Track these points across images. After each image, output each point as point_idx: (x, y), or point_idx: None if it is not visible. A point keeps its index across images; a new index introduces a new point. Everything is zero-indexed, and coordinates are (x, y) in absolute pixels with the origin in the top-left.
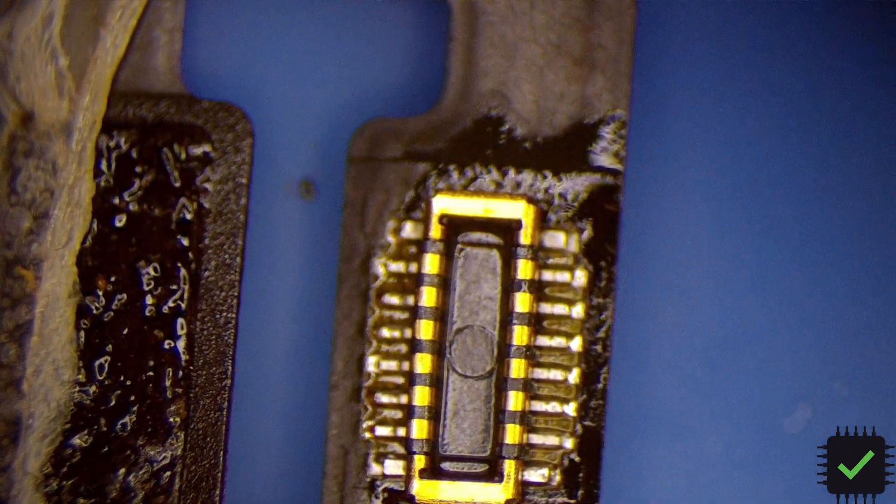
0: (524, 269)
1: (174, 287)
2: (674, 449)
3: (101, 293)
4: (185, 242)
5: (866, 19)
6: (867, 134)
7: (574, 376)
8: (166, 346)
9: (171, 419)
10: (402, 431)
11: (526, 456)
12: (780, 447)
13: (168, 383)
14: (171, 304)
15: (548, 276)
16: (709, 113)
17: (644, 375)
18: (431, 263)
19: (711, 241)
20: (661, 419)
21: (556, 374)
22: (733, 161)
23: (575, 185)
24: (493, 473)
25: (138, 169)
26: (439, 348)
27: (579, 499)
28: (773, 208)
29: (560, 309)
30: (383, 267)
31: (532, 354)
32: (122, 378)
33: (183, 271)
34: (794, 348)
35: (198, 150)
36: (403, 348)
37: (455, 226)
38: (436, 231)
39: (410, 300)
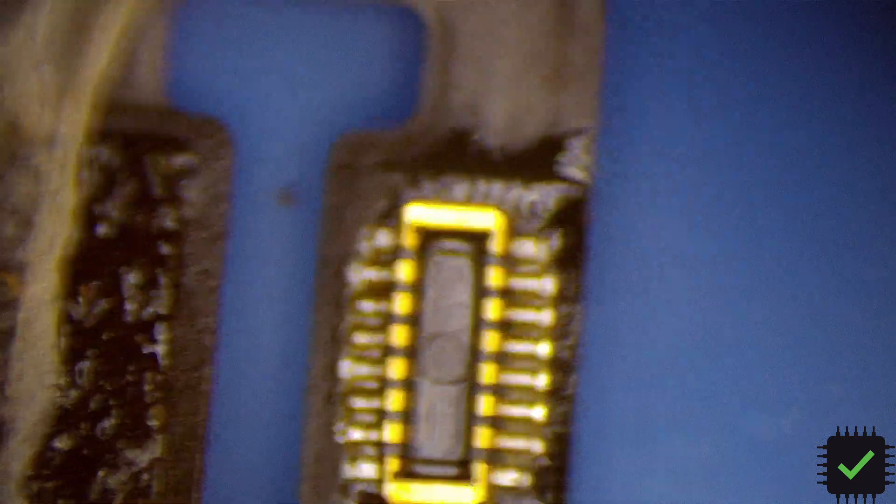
0: (495, 276)
1: (155, 293)
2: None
3: (83, 299)
4: (167, 249)
5: (834, 31)
6: (842, 140)
7: (543, 382)
8: (147, 351)
9: (151, 423)
10: (375, 435)
11: (496, 459)
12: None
13: (148, 388)
14: (151, 310)
15: (518, 283)
16: (677, 126)
17: (617, 380)
18: (405, 271)
19: (685, 248)
20: (631, 423)
21: (525, 380)
22: (702, 171)
23: (544, 196)
24: (464, 476)
25: (121, 177)
26: (412, 353)
27: (548, 502)
28: (746, 214)
29: (530, 315)
30: (358, 273)
31: (502, 360)
32: (102, 382)
33: (164, 278)
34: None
35: (179, 160)
36: (377, 353)
37: (428, 234)
38: (409, 239)
39: (384, 306)
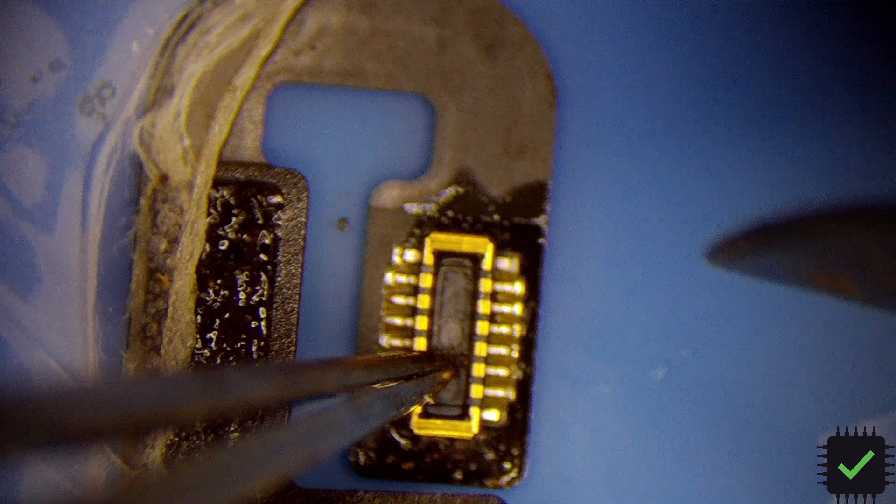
0: (484, 283)
1: (258, 287)
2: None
3: (211, 291)
4: (265, 258)
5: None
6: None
7: (515, 351)
8: (253, 326)
9: None
10: None
11: (485, 404)
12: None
13: (254, 349)
14: (256, 298)
15: (499, 287)
16: (605, 182)
17: (566, 353)
18: (425, 280)
19: (609, 263)
20: (573, 382)
21: (504, 351)
22: (622, 212)
23: (517, 228)
24: (464, 416)
25: (235, 211)
26: (429, 334)
27: (518, 428)
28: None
29: (507, 308)
30: (392, 278)
31: (489, 338)
32: (224, 346)
33: (264, 277)
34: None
35: (273, 199)
36: (406, 334)
37: (441, 254)
38: (428, 258)
39: (410, 301)
